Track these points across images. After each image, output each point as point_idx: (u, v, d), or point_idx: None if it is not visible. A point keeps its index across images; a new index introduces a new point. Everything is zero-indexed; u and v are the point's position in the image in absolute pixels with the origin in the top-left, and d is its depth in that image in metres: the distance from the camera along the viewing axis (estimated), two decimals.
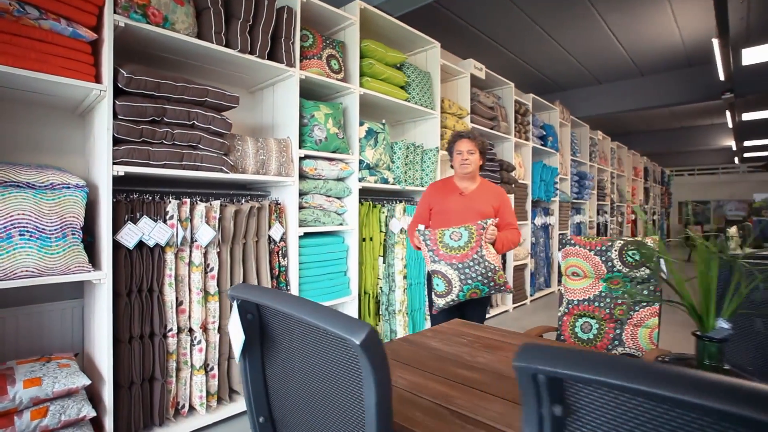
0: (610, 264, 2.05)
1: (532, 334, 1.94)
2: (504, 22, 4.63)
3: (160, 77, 1.84)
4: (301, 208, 2.55)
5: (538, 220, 5.65)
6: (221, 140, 2.06)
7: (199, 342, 2.04)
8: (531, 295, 5.39)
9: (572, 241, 2.19)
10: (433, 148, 3.56)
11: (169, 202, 1.99)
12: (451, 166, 2.37)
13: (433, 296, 2.10)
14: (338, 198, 2.86)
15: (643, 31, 4.59)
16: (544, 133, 5.72)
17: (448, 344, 1.45)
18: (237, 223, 2.23)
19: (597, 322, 2.07)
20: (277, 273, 2.42)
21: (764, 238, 4.77)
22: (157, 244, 1.91)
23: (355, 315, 2.85)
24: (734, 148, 10.46)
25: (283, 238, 2.46)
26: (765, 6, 3.48)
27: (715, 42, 3.71)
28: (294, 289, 2.46)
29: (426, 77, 3.52)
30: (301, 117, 2.54)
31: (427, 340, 1.50)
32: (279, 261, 2.43)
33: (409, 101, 3.33)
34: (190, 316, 2.04)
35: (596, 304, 2.08)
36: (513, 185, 4.84)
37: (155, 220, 1.91)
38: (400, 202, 3.40)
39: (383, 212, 3.17)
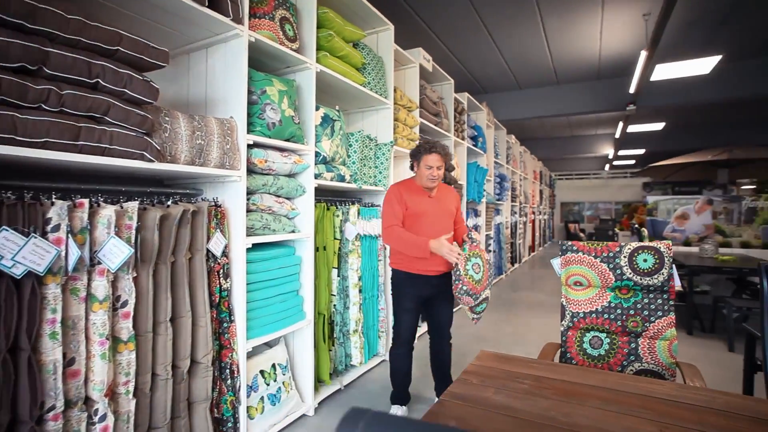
0: (619, 272, 1.87)
1: (548, 358, 1.67)
2: (450, 13, 4.41)
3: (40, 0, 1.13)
4: (247, 211, 1.95)
5: (470, 222, 5.61)
6: (142, 113, 1.39)
7: (103, 418, 1.35)
8: None
9: (574, 248, 1.97)
10: (387, 142, 3.15)
11: (52, 204, 1.27)
12: (411, 169, 2.33)
13: (472, 315, 2.18)
14: (289, 198, 2.30)
15: (572, 40, 4.77)
16: (476, 133, 5.70)
17: (514, 395, 1.07)
18: (164, 233, 1.56)
19: (608, 336, 1.88)
20: (217, 300, 1.79)
21: (656, 235, 5.32)
22: (29, 272, 1.19)
23: (310, 343, 2.32)
24: (610, 156, 12.01)
25: (225, 253, 1.83)
26: (675, 27, 3.78)
27: (643, 54, 3.96)
28: (240, 320, 1.86)
29: (380, 62, 3.10)
30: (250, 93, 1.93)
31: (482, 392, 1.10)
32: (220, 283, 1.80)
33: (365, 87, 2.87)
34: (87, 380, 1.34)
35: (606, 316, 1.88)
36: (453, 185, 4.67)
37: (26, 234, 1.19)
38: (353, 203, 2.93)
39: (338, 215, 2.67)
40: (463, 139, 5.12)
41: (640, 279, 1.84)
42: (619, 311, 1.88)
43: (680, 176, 9.64)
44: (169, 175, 1.79)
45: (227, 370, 1.82)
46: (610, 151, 11.33)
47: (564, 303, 1.98)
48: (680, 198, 5.51)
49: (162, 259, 1.57)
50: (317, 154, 2.38)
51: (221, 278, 1.81)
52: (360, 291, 2.80)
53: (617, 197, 17.26)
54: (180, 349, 1.63)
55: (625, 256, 1.88)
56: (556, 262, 2.10)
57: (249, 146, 1.91)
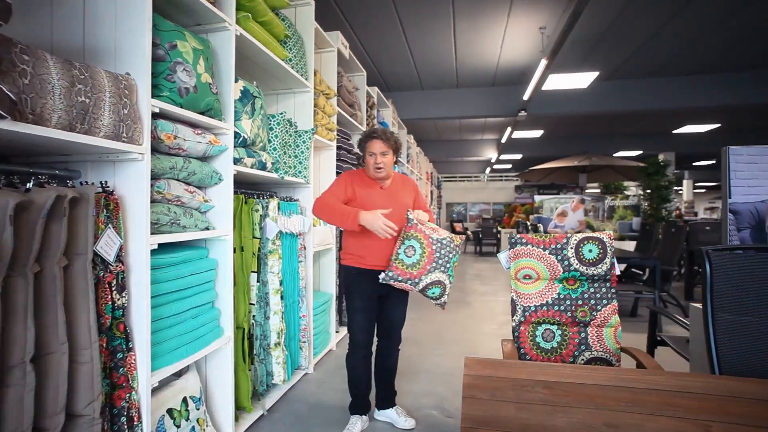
0: (566, 263, 1.89)
1: (513, 357, 1.57)
2: (369, 3, 4.22)
3: None
4: (152, 201, 1.47)
5: None
6: None
7: None
8: None
9: (523, 240, 1.94)
10: (308, 129, 2.82)
11: None
12: (363, 163, 2.12)
13: (434, 303, 2.03)
14: (201, 187, 1.85)
15: (477, 45, 4.98)
16: None
17: (538, 409, 0.91)
18: (22, 231, 1.05)
19: (559, 328, 1.87)
20: (108, 322, 1.30)
21: (533, 225, 5.90)
22: None
23: (230, 365, 1.90)
24: (492, 160, 13.19)
25: (120, 257, 1.34)
26: (568, 42, 4.19)
27: (543, 62, 4.29)
28: (142, 347, 1.38)
29: (300, 40, 2.76)
30: (154, 46, 1.46)
31: (502, 411, 0.91)
32: (113, 299, 1.31)
33: (287, 63, 2.51)
34: None
35: (556, 308, 1.88)
36: None
37: None
38: (272, 196, 2.54)
39: (257, 210, 2.27)
40: None
41: (586, 269, 1.88)
42: (568, 302, 1.89)
43: (551, 179, 11.01)
44: (28, 144, 1.24)
45: (122, 418, 1.34)
46: (492, 155, 12.41)
47: (514, 297, 1.93)
48: (560, 197, 6.22)
49: (18, 269, 1.06)
50: (236, 135, 1.96)
51: (114, 292, 1.32)
52: (282, 297, 2.43)
53: (494, 198, 19.16)
54: (48, 401, 1.13)
55: (572, 247, 1.90)
56: (504, 256, 2.05)
57: (154, 116, 1.44)
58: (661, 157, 10.02)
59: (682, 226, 4.61)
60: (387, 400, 2.18)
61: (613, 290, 1.90)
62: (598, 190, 11.26)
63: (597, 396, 1.03)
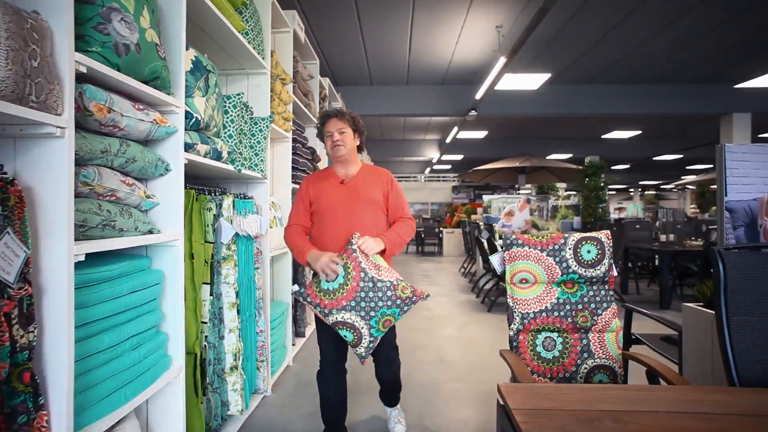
0: (565, 265, 1.76)
1: (524, 374, 1.39)
2: None
3: None
4: (76, 195, 1.07)
5: None
6: None
7: None
8: None
9: (519, 242, 1.79)
10: (265, 116, 2.46)
11: None
12: (327, 154, 1.92)
13: (351, 349, 1.72)
14: (141, 179, 1.44)
15: (434, 38, 4.84)
16: None
17: None
18: None
19: (560, 335, 1.73)
20: (4, 372, 0.89)
21: (489, 226, 5.95)
22: None
23: (180, 402, 1.51)
24: (434, 161, 13.33)
25: (24, 276, 0.94)
26: (513, 43, 4.20)
27: (502, 60, 4.25)
28: (61, 401, 0.98)
29: (256, 13, 2.39)
30: None
31: None
32: (12, 338, 0.91)
33: (244, 37, 2.13)
34: None
35: (556, 313, 1.74)
36: None
37: None
38: (225, 193, 2.15)
39: (209, 209, 1.88)
40: None
41: (585, 271, 1.76)
42: (568, 307, 1.75)
43: (490, 179, 11.34)
44: None
45: None
46: (434, 155, 12.53)
47: (511, 304, 1.77)
48: (508, 197, 6.33)
49: None
50: (188, 115, 1.57)
51: (15, 327, 0.92)
52: (238, 312, 2.06)
53: (432, 198, 19.50)
54: None
55: (570, 248, 1.78)
56: (497, 259, 1.87)
57: (81, 78, 1.04)
58: (587, 160, 10.76)
59: (624, 225, 4.85)
60: (389, 400, 2.07)
61: (611, 292, 1.80)
62: (529, 191, 11.80)
63: (679, 428, 0.85)
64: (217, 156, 1.83)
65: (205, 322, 1.84)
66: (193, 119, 1.60)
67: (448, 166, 15.50)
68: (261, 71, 2.53)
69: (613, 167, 13.96)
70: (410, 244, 12.78)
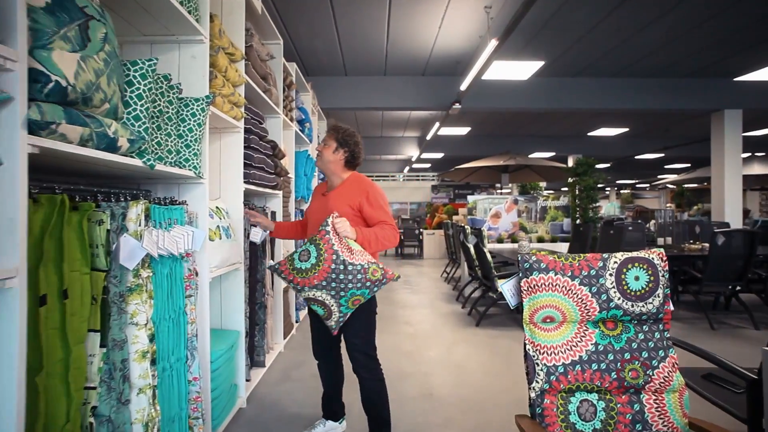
0: (604, 297, 1.27)
1: None
2: None
3: None
4: None
5: None
6: None
7: None
8: (296, 321, 4.28)
9: (542, 265, 1.30)
10: (200, 97, 1.88)
11: None
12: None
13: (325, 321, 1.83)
14: None
15: (412, 29, 4.32)
16: (303, 117, 4.72)
17: None
18: None
19: (601, 397, 1.24)
20: None
21: (477, 230, 5.50)
22: None
23: None
24: (413, 159, 12.83)
25: None
26: (503, 28, 3.73)
27: (493, 42, 3.74)
28: None
29: None
30: None
31: None
32: None
33: None
34: None
35: (595, 366, 1.26)
36: (282, 177, 3.59)
37: None
38: (136, 197, 1.57)
39: (101, 221, 1.30)
40: (291, 120, 4.08)
41: (632, 305, 1.28)
42: (611, 357, 1.26)
43: (472, 178, 10.94)
44: None
45: None
46: (413, 153, 12.05)
47: (531, 352, 1.27)
48: (494, 198, 5.89)
49: None
50: (40, 76, 0.99)
51: None
52: (153, 362, 1.48)
53: (411, 198, 19.05)
54: None
55: (611, 274, 1.29)
56: (509, 288, 1.36)
57: None
58: (570, 159, 10.49)
59: (622, 227, 4.47)
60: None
61: (667, 335, 1.32)
62: (510, 191, 11.47)
63: None
64: (108, 144, 1.24)
65: (93, 387, 1.26)
66: (52, 83, 1.02)
67: (428, 165, 15.07)
68: (196, 39, 1.95)
69: (597, 166, 13.81)
70: None
